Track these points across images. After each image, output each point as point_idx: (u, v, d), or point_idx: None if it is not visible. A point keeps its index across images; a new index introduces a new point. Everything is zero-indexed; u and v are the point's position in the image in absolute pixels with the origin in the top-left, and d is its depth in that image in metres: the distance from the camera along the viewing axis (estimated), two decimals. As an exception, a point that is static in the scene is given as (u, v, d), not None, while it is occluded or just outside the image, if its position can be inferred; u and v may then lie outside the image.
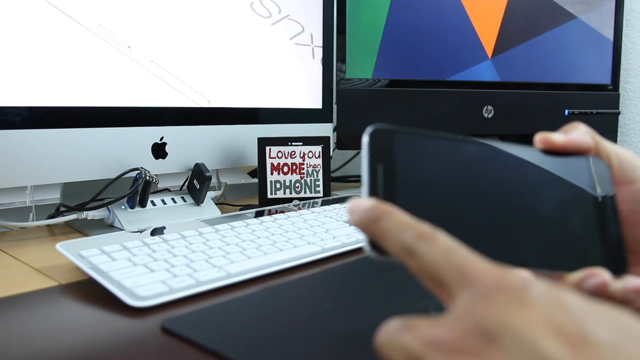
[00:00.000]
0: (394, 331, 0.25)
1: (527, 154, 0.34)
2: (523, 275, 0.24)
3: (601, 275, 0.31)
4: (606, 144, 0.36)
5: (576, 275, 0.32)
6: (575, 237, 0.33)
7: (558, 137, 0.35)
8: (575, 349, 0.21)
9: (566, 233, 0.33)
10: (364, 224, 0.27)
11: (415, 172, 0.30)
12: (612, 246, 0.33)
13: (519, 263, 0.30)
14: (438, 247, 0.25)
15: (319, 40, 0.93)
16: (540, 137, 0.35)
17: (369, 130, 0.30)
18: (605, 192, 0.34)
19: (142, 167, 0.67)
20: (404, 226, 0.26)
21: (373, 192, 0.29)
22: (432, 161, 0.31)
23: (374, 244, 0.28)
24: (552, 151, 0.35)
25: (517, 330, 0.22)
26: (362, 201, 0.28)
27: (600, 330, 0.22)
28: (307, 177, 0.83)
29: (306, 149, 0.82)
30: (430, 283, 0.26)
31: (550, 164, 0.34)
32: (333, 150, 0.98)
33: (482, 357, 0.22)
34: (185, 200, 0.74)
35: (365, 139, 0.29)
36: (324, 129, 0.94)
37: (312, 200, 0.80)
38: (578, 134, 0.35)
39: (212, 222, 0.62)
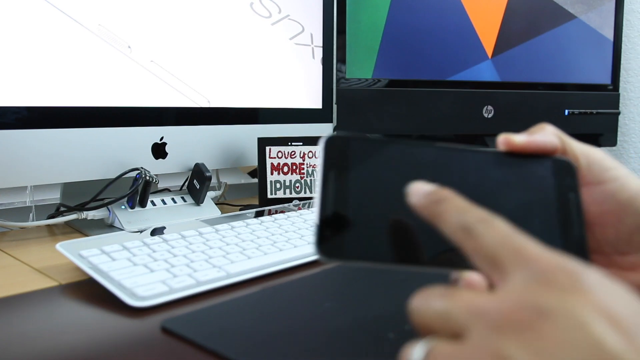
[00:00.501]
0: (433, 296, 0.25)
1: (489, 157, 0.34)
2: (577, 262, 0.24)
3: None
4: (574, 145, 0.35)
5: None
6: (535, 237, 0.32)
7: (519, 138, 0.34)
8: (628, 339, 0.21)
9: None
10: (424, 206, 0.28)
11: (369, 178, 0.31)
12: (574, 249, 0.32)
13: (468, 267, 0.30)
14: (497, 230, 0.26)
15: (319, 40, 0.93)
16: (502, 138, 0.34)
17: (324, 138, 0.31)
18: (568, 193, 0.34)
19: (142, 167, 0.67)
20: (465, 209, 0.27)
21: (324, 199, 0.29)
22: (387, 167, 0.31)
23: (323, 248, 0.29)
24: (516, 153, 0.34)
25: (573, 311, 0.22)
26: (423, 185, 0.29)
27: None
28: (307, 177, 0.83)
29: (306, 149, 0.82)
30: (484, 263, 0.26)
31: (512, 167, 0.34)
32: (333, 150, 0.98)
33: (533, 332, 0.22)
34: (185, 200, 0.74)
35: (320, 147, 0.30)
36: (324, 129, 0.94)
37: (312, 200, 0.80)
38: (542, 135, 0.34)
39: (212, 222, 0.62)
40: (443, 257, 0.30)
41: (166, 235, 0.55)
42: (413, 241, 0.30)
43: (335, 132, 0.32)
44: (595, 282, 0.23)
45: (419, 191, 0.29)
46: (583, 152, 0.35)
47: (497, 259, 0.25)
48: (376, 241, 0.30)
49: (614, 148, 1.26)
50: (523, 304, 0.23)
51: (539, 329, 0.22)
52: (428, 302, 0.26)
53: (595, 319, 0.22)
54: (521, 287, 0.24)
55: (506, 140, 0.34)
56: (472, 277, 0.30)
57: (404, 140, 0.32)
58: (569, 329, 0.22)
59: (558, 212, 0.33)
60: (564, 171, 0.34)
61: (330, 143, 0.31)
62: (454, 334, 0.24)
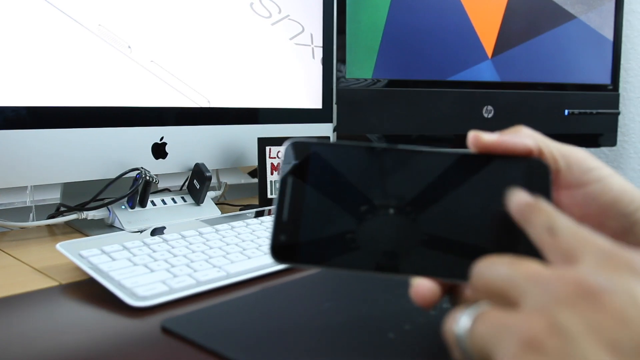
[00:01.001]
0: (499, 263, 0.27)
1: (456, 158, 0.33)
2: (627, 250, 0.26)
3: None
4: (552, 146, 0.33)
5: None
6: (493, 244, 0.31)
7: (487, 137, 0.32)
8: None
9: (481, 241, 0.31)
10: (520, 211, 0.30)
11: (327, 183, 0.31)
12: (534, 252, 0.31)
13: (422, 272, 0.31)
14: (573, 229, 0.27)
15: (319, 40, 0.93)
16: (471, 136, 0.33)
17: (285, 143, 0.32)
18: (538, 196, 0.31)
19: (142, 167, 0.67)
20: (554, 212, 0.29)
21: (280, 204, 0.31)
22: (346, 172, 0.32)
23: (275, 251, 0.30)
24: (487, 154, 0.33)
25: (630, 290, 0.23)
26: (525, 195, 0.30)
27: None
28: (307, 177, 0.83)
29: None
30: (559, 254, 0.27)
31: (479, 168, 0.32)
32: (333, 150, 0.98)
33: (590, 304, 0.23)
34: (185, 200, 0.74)
35: (281, 152, 0.31)
36: (324, 129, 0.94)
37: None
38: (515, 136, 0.33)
39: (212, 222, 0.62)
40: (392, 263, 0.31)
41: (166, 235, 0.55)
42: (361, 246, 0.31)
43: (297, 138, 0.32)
44: None
45: (520, 200, 0.30)
46: (562, 153, 0.33)
47: (572, 251, 0.26)
48: (327, 246, 0.31)
49: (614, 148, 1.26)
50: (585, 279, 0.24)
51: (597, 302, 0.23)
52: (494, 267, 0.27)
53: None
54: (587, 267, 0.25)
55: (475, 138, 0.33)
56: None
57: (367, 145, 0.32)
58: (625, 305, 0.23)
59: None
60: (536, 173, 0.32)
61: (290, 149, 0.31)
62: (511, 302, 0.26)
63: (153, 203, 0.70)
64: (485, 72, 1.05)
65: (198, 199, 0.74)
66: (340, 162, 0.32)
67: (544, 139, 0.34)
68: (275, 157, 0.82)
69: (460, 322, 0.27)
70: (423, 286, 0.31)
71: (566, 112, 1.11)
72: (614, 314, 0.23)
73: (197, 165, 0.74)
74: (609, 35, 1.13)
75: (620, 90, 1.18)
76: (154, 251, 0.51)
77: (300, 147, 0.32)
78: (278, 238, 0.31)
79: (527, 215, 0.30)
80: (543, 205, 0.29)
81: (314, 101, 0.93)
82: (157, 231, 0.57)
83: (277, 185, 0.31)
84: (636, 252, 0.26)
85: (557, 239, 0.27)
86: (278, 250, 0.31)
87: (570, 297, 0.23)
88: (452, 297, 0.32)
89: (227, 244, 0.54)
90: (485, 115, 1.04)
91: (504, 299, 0.26)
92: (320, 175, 0.31)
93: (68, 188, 0.71)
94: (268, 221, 0.63)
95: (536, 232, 0.29)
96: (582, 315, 0.23)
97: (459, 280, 0.31)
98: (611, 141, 1.16)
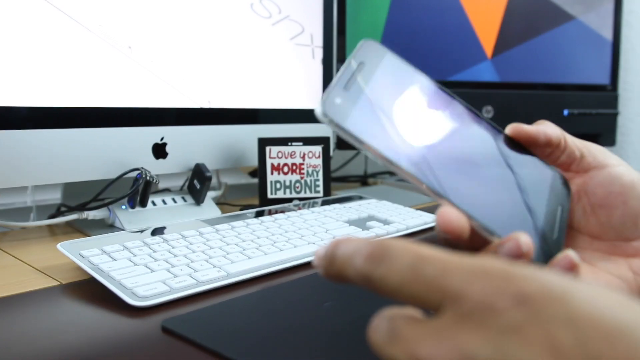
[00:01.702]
0: (384, 339, 0.23)
1: (499, 136, 0.36)
2: (519, 278, 0.21)
3: (517, 239, 0.28)
4: (575, 139, 0.38)
5: (497, 241, 0.29)
6: (526, 210, 0.33)
7: (529, 127, 0.36)
8: None
9: (519, 205, 0.33)
10: (327, 272, 0.25)
11: (384, 88, 0.32)
12: (553, 249, 0.33)
13: (453, 198, 0.30)
14: (398, 264, 0.22)
15: (319, 40, 0.93)
16: (512, 126, 0.36)
17: (364, 40, 0.33)
18: (560, 202, 0.36)
19: (142, 167, 0.67)
20: (352, 252, 0.24)
21: (345, 71, 0.31)
22: (400, 91, 0.33)
23: (327, 105, 0.30)
24: (523, 145, 0.37)
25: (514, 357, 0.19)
26: (319, 251, 0.26)
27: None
28: (307, 177, 0.83)
29: (306, 149, 0.82)
30: (409, 302, 0.23)
31: (519, 154, 0.36)
32: (333, 150, 0.98)
33: None
34: (185, 200, 0.75)
35: (359, 44, 0.32)
36: (324, 129, 0.94)
37: (312, 200, 0.80)
38: (548, 127, 0.37)
39: (212, 222, 0.62)
40: (427, 173, 0.31)
41: (166, 235, 0.55)
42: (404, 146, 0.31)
43: (372, 40, 0.33)
44: (538, 309, 0.20)
45: (316, 261, 0.26)
46: (583, 144, 0.38)
47: (417, 297, 0.22)
48: (373, 129, 0.31)
49: (613, 148, 1.26)
50: (458, 354, 0.20)
51: None
52: (382, 348, 0.23)
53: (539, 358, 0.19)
54: (454, 326, 0.21)
55: (517, 126, 0.36)
56: (522, 239, 0.28)
57: (429, 81, 0.34)
58: None
59: (547, 210, 0.34)
60: (562, 184, 0.36)
61: (367, 44, 0.32)
62: None
63: (153, 203, 0.71)
64: (484, 72, 1.05)
65: (198, 199, 0.74)
66: (403, 79, 0.33)
67: (566, 134, 0.38)
68: (275, 157, 0.82)
69: None
70: (451, 212, 0.28)
71: (566, 112, 1.11)
72: None
73: (197, 165, 0.74)
74: (608, 35, 1.13)
75: (620, 91, 1.19)
76: (154, 251, 0.51)
77: (374, 46, 0.33)
78: (333, 98, 0.30)
79: (334, 272, 0.25)
80: (338, 243, 0.25)
81: (314, 101, 0.93)
82: (157, 231, 0.57)
83: (349, 58, 0.32)
84: (522, 277, 0.21)
85: (386, 289, 0.23)
86: (329, 106, 0.29)
87: None
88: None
89: (227, 244, 0.54)
90: (485, 115, 1.04)
91: None
92: (382, 79, 0.32)
93: (69, 188, 0.71)
94: (268, 221, 0.63)
95: (357, 284, 0.24)
96: None
97: (484, 229, 0.30)
98: (610, 141, 1.17)
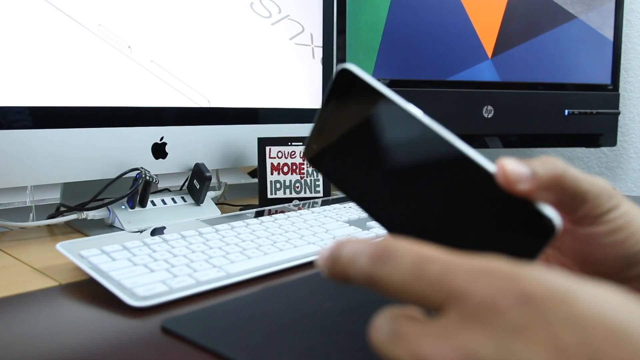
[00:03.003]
0: (385, 338, 0.23)
1: (480, 173, 0.28)
2: (523, 278, 0.21)
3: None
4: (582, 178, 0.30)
5: None
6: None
7: (522, 186, 0.27)
8: None
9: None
10: (331, 273, 0.25)
11: (359, 121, 0.32)
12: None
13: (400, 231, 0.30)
14: (403, 264, 0.22)
15: (319, 40, 0.93)
16: (499, 169, 0.28)
17: (340, 66, 0.32)
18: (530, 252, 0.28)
19: (142, 167, 0.67)
20: (354, 253, 0.24)
21: (322, 117, 0.33)
22: (379, 123, 0.32)
23: (308, 151, 0.34)
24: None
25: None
26: (322, 252, 0.26)
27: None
28: (307, 177, 0.83)
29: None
30: (413, 301, 0.23)
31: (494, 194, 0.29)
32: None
33: None
34: (185, 200, 0.74)
35: (334, 72, 0.32)
36: (324, 129, 0.94)
37: (312, 200, 0.80)
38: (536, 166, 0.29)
39: (212, 222, 0.62)
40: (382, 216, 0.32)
41: (166, 235, 0.55)
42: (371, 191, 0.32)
43: (348, 65, 0.32)
44: (542, 309, 0.20)
45: (320, 262, 0.26)
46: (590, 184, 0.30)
47: (421, 296, 0.22)
48: (343, 174, 0.33)
49: (614, 148, 1.26)
50: (462, 354, 0.20)
51: None
52: (383, 346, 0.23)
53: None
54: (458, 326, 0.21)
55: (502, 175, 0.28)
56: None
57: (410, 111, 0.31)
58: None
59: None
60: (536, 230, 0.27)
61: (343, 74, 0.32)
62: None
63: (153, 203, 0.70)
64: (485, 72, 1.05)
65: (198, 199, 0.74)
66: (376, 109, 0.31)
67: (575, 173, 0.30)
68: (275, 157, 0.82)
69: None
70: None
71: (566, 112, 1.11)
72: None
73: (197, 165, 0.74)
74: (609, 35, 1.13)
75: (620, 90, 1.18)
76: (154, 251, 0.51)
77: (350, 76, 0.32)
78: (311, 145, 0.34)
79: (338, 273, 0.25)
80: (341, 245, 0.25)
81: (314, 101, 0.93)
82: (157, 231, 0.57)
83: (324, 96, 0.33)
84: (526, 277, 0.21)
85: (390, 288, 0.23)
86: (309, 153, 0.34)
87: None
88: None
89: (227, 244, 0.54)
90: (485, 115, 1.04)
91: None
92: (358, 111, 0.32)
93: (68, 188, 0.71)
94: (268, 221, 0.63)
95: (361, 284, 0.24)
96: None
97: None
98: (611, 141, 1.16)
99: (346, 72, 0.32)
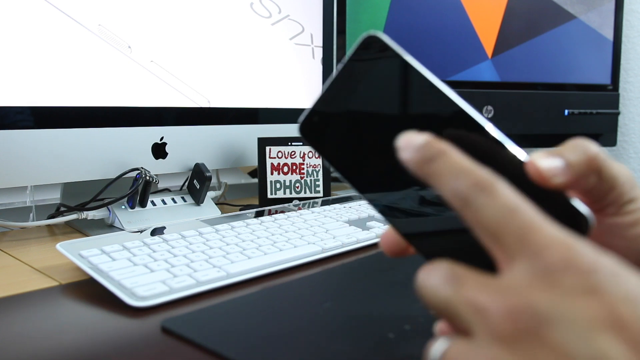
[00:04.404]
0: (439, 279, 0.23)
1: (515, 160, 0.27)
2: (592, 250, 0.21)
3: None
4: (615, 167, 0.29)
5: None
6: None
7: (559, 180, 0.26)
8: (637, 349, 0.20)
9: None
10: (416, 164, 0.24)
11: (378, 93, 0.30)
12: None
13: (400, 228, 0.29)
14: (499, 202, 0.22)
15: (319, 40, 0.93)
16: (530, 165, 0.26)
17: (366, 34, 0.30)
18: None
19: (142, 167, 0.67)
20: (460, 171, 0.23)
21: (330, 89, 0.30)
22: (402, 96, 0.29)
23: (304, 126, 0.30)
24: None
25: (577, 319, 0.20)
26: (415, 137, 0.25)
27: None
28: (307, 177, 0.83)
29: (306, 149, 0.82)
30: (487, 239, 0.23)
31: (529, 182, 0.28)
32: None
33: (530, 342, 0.20)
34: (185, 200, 0.74)
35: (359, 39, 0.29)
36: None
37: (312, 200, 0.80)
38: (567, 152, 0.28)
39: (212, 222, 0.62)
40: (382, 201, 0.29)
41: (166, 235, 0.55)
42: (374, 171, 0.30)
43: (376, 32, 0.30)
44: (608, 280, 0.21)
45: (410, 144, 0.24)
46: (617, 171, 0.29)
47: (500, 238, 0.22)
48: (343, 150, 0.30)
49: (614, 148, 1.26)
50: (523, 307, 0.21)
51: (537, 338, 0.20)
52: (434, 287, 0.23)
53: (599, 329, 0.20)
54: (524, 283, 0.21)
55: (534, 169, 0.26)
56: None
57: (444, 89, 0.28)
58: (569, 339, 0.20)
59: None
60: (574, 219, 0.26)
61: (369, 41, 0.29)
62: (462, 329, 0.23)
63: (153, 203, 0.70)
64: (485, 72, 1.05)
65: (198, 199, 0.74)
66: (402, 80, 0.29)
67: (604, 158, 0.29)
68: (275, 157, 0.82)
69: (434, 351, 0.24)
70: (391, 237, 0.29)
71: (566, 112, 1.11)
72: (555, 351, 0.20)
73: (197, 165, 0.74)
74: (609, 35, 1.13)
75: (620, 90, 1.18)
76: (154, 251, 0.51)
77: (377, 43, 0.29)
78: (312, 118, 0.30)
79: (425, 170, 0.24)
80: (446, 151, 0.24)
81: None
82: (157, 231, 0.57)
83: (338, 67, 0.30)
84: (589, 255, 0.21)
85: (478, 214, 0.22)
86: (305, 127, 0.30)
87: (510, 335, 0.21)
88: None
89: (227, 244, 0.54)
90: (485, 115, 1.04)
91: (456, 325, 0.24)
92: (377, 82, 0.30)
93: (68, 188, 0.71)
94: (268, 221, 0.63)
95: (446, 196, 0.23)
96: (522, 356, 0.20)
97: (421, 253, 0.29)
98: (611, 141, 1.16)
99: (373, 39, 0.29)
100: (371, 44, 0.29)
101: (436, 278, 0.23)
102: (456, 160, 0.24)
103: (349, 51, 0.30)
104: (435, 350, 0.24)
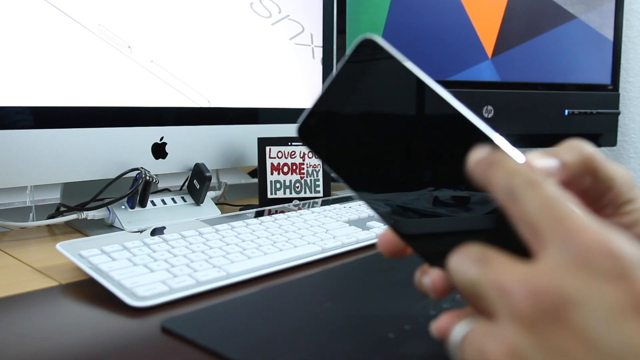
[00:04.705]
0: (469, 260, 0.24)
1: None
2: (624, 238, 0.22)
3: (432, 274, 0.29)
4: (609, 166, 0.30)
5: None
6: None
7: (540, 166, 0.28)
8: None
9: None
10: (479, 173, 0.26)
11: (375, 97, 0.30)
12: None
13: (401, 229, 0.30)
14: (541, 194, 0.23)
15: (319, 40, 0.93)
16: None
17: (362, 36, 0.30)
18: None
19: (142, 167, 0.67)
20: (515, 171, 0.25)
21: (328, 91, 0.30)
22: (397, 99, 0.30)
23: (301, 129, 0.30)
24: None
25: (601, 306, 0.20)
26: (480, 150, 0.27)
27: None
28: (307, 177, 0.83)
29: (306, 149, 0.82)
30: (526, 230, 0.24)
31: None
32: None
33: (553, 325, 0.20)
34: (185, 200, 0.74)
35: (355, 42, 0.30)
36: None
37: (312, 200, 0.80)
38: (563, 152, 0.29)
39: (212, 222, 0.62)
40: (382, 204, 0.30)
41: (166, 235, 0.55)
42: (371, 172, 0.30)
43: (371, 35, 0.30)
44: (638, 267, 0.21)
45: (474, 157, 0.26)
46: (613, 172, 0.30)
47: (537, 227, 0.23)
48: (344, 155, 0.31)
49: (614, 148, 1.26)
50: (546, 288, 0.21)
51: (558, 320, 0.20)
52: (463, 266, 0.24)
53: (627, 314, 0.20)
54: (554, 265, 0.22)
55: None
56: None
57: (436, 89, 0.29)
58: (593, 324, 0.20)
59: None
60: None
61: (365, 45, 0.30)
62: (486, 311, 0.24)
63: (153, 203, 0.70)
64: (485, 72, 1.05)
65: (198, 199, 0.74)
66: (397, 83, 0.30)
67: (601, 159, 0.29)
68: (275, 157, 0.82)
69: (454, 335, 0.25)
70: (388, 238, 0.30)
71: (566, 112, 1.11)
72: (577, 335, 0.20)
73: (197, 165, 0.74)
74: (609, 35, 1.13)
75: (620, 90, 1.18)
76: (154, 251, 0.51)
77: (372, 46, 0.30)
78: (309, 120, 0.31)
79: (485, 176, 0.26)
80: (501, 158, 0.26)
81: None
82: (157, 231, 0.57)
83: (335, 70, 0.30)
84: (621, 242, 0.22)
85: (519, 206, 0.24)
86: (303, 129, 0.31)
87: (530, 316, 0.21)
88: None
89: (227, 244, 0.54)
90: (485, 115, 1.04)
91: (480, 307, 0.24)
92: (373, 84, 0.30)
93: (68, 188, 0.71)
94: (268, 221, 0.63)
95: (497, 195, 0.25)
96: (543, 341, 0.20)
97: (427, 259, 0.29)
98: (611, 141, 1.16)
99: (369, 43, 0.30)
100: (367, 48, 0.30)
101: (466, 259, 0.25)
102: (512, 164, 0.26)
103: (345, 55, 0.30)
104: (456, 334, 0.25)
